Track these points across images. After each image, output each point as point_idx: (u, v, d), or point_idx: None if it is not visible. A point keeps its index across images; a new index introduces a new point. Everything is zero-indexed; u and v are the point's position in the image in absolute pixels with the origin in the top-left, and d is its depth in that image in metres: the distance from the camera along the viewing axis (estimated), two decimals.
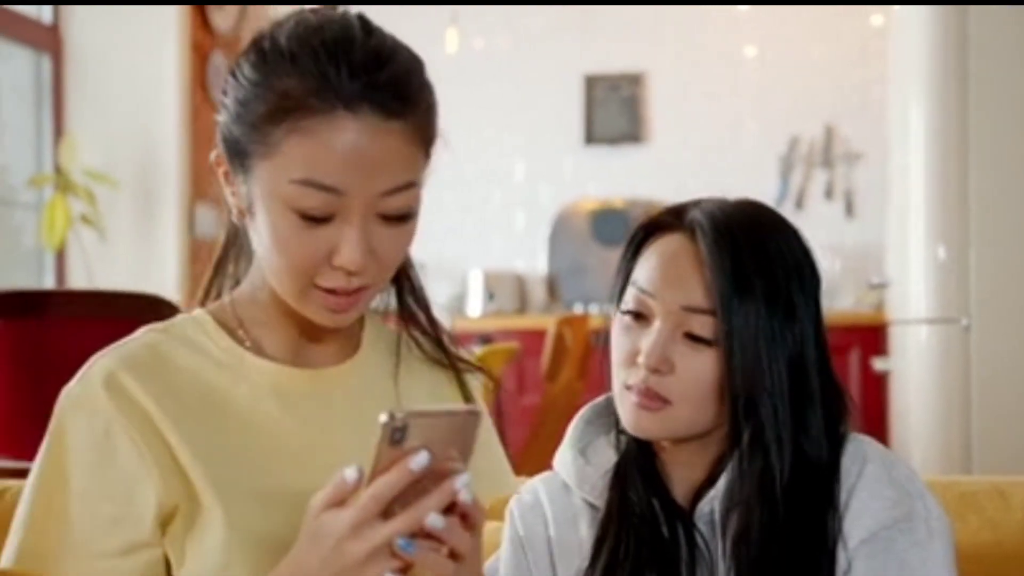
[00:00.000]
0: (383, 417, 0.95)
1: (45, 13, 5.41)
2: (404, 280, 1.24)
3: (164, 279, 5.38)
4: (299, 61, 1.04)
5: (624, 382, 1.22)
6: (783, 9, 5.75)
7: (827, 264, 5.68)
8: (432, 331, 1.25)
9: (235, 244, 1.21)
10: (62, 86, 5.43)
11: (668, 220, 1.25)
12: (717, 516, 1.21)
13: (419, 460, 0.95)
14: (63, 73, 5.44)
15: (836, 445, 1.22)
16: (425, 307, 1.25)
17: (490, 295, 5.76)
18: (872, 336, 4.92)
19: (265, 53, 1.07)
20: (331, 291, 1.09)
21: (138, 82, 5.46)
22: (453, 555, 0.98)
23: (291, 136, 1.04)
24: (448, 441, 0.97)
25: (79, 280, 5.24)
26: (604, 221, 5.81)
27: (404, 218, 1.09)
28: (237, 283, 1.21)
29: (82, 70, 5.44)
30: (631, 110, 5.90)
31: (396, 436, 0.95)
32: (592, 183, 5.90)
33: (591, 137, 5.94)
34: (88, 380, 1.10)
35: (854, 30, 5.71)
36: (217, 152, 1.13)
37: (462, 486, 0.96)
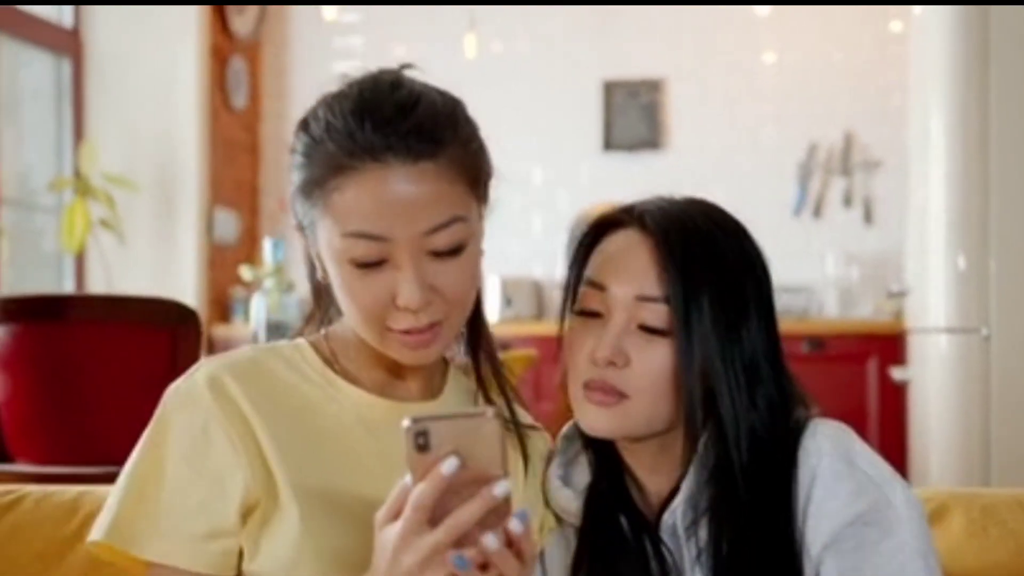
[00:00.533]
0: (405, 422, 1.00)
1: (66, 16, 5.43)
2: (482, 343, 1.30)
3: (183, 283, 5.40)
4: (333, 129, 1.14)
5: (580, 381, 1.23)
6: (802, 15, 5.73)
7: (845, 272, 5.67)
8: (502, 392, 1.32)
9: (323, 300, 1.29)
10: (82, 90, 5.46)
11: (618, 217, 1.27)
12: (680, 529, 1.21)
13: (449, 465, 0.99)
14: (83, 77, 5.46)
15: (794, 434, 1.20)
16: (496, 369, 1.32)
17: (508, 301, 5.75)
18: (891, 345, 4.90)
19: (309, 127, 1.17)
20: (405, 331, 1.16)
21: (158, 86, 5.48)
22: None
23: (334, 196, 1.14)
24: (476, 446, 1.00)
25: (98, 284, 5.26)
26: None
27: (456, 252, 1.16)
28: (330, 323, 1.30)
29: (102, 74, 5.46)
30: (650, 116, 5.89)
31: (420, 441, 1.00)
32: (610, 189, 5.88)
33: (610, 143, 5.94)
34: (193, 380, 1.19)
35: (873, 36, 5.69)
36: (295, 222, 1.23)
37: (501, 492, 1.00)
